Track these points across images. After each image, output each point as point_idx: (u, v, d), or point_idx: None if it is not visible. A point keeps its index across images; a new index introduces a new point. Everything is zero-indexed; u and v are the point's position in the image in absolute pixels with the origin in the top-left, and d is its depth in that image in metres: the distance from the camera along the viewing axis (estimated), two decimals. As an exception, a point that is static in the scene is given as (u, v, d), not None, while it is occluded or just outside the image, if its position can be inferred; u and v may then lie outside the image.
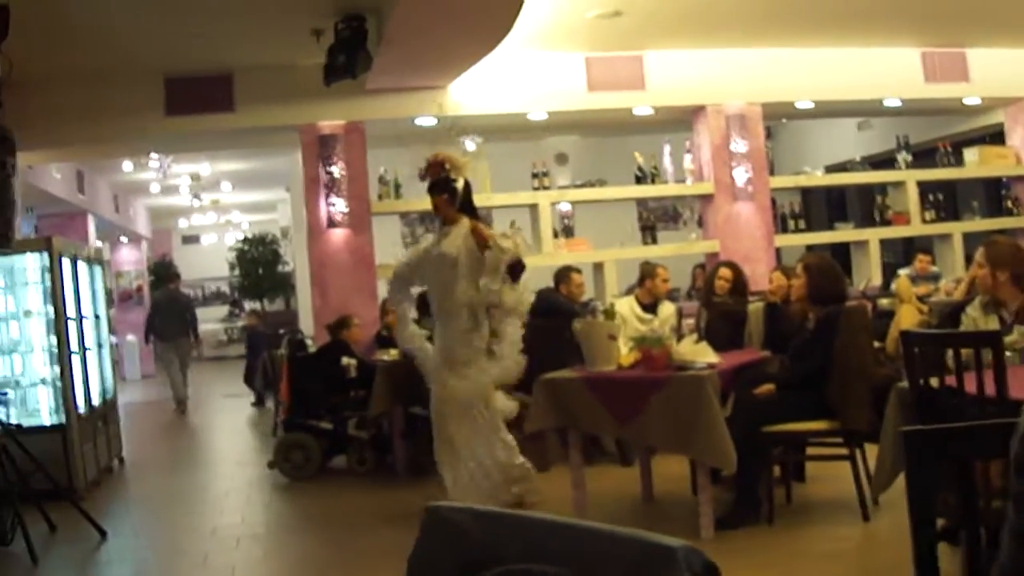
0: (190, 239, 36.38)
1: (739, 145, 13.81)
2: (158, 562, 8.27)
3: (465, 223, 8.21)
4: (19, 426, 9.36)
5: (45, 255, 10.64)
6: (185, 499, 10.77)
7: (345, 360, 10.88)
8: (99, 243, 21.81)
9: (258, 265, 29.96)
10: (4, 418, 8.52)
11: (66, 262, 10.97)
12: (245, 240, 30.69)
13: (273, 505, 9.88)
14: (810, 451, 8.06)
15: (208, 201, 27.23)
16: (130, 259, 29.31)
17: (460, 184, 8.35)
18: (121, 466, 12.60)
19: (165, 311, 19.08)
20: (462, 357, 8.17)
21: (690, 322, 10.79)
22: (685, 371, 7.22)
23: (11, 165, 8.31)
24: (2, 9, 7.93)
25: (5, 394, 10.00)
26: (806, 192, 17.03)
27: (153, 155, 19.23)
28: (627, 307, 9.98)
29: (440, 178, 8.30)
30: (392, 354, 10.71)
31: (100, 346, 12.37)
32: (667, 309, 10.26)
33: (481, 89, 13.03)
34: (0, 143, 8.13)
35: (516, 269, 8.10)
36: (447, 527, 2.12)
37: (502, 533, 2.04)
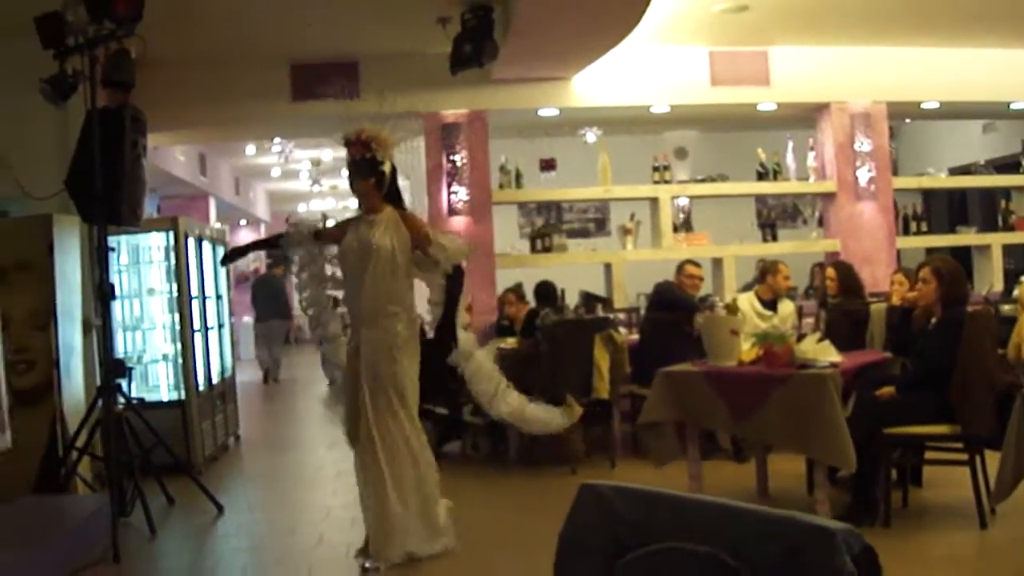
0: (308, 224, 36.56)
1: (863, 144, 13.67)
2: (273, 539, 8.40)
3: (391, 213, 7.23)
4: (141, 400, 9.57)
5: (171, 234, 10.86)
6: (299, 478, 10.94)
7: (464, 346, 10.93)
8: (218, 225, 22.15)
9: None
10: (127, 393, 8.68)
11: (191, 242, 11.19)
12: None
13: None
14: (929, 455, 7.96)
15: (327, 187, 27.46)
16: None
17: (387, 168, 7.28)
18: (237, 443, 12.82)
19: (259, 294, 21.09)
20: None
21: (809, 321, 10.73)
22: (807, 369, 7.20)
23: (142, 145, 8.48)
24: (137, -9, 8.09)
25: (131, 369, 10.23)
26: (928, 194, 16.79)
27: (276, 140, 19.50)
28: (747, 303, 9.93)
29: (365, 159, 7.19)
30: (509, 342, 10.78)
31: (220, 326, 12.59)
32: (787, 307, 10.19)
33: (604, 81, 13.03)
34: (132, 123, 8.29)
35: (456, 278, 7.39)
36: (599, 505, 2.17)
37: (656, 513, 2.08)
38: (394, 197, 7.38)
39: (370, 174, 7.18)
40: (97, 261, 8.26)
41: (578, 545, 2.22)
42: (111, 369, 8.17)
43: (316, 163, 22.84)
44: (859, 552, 1.80)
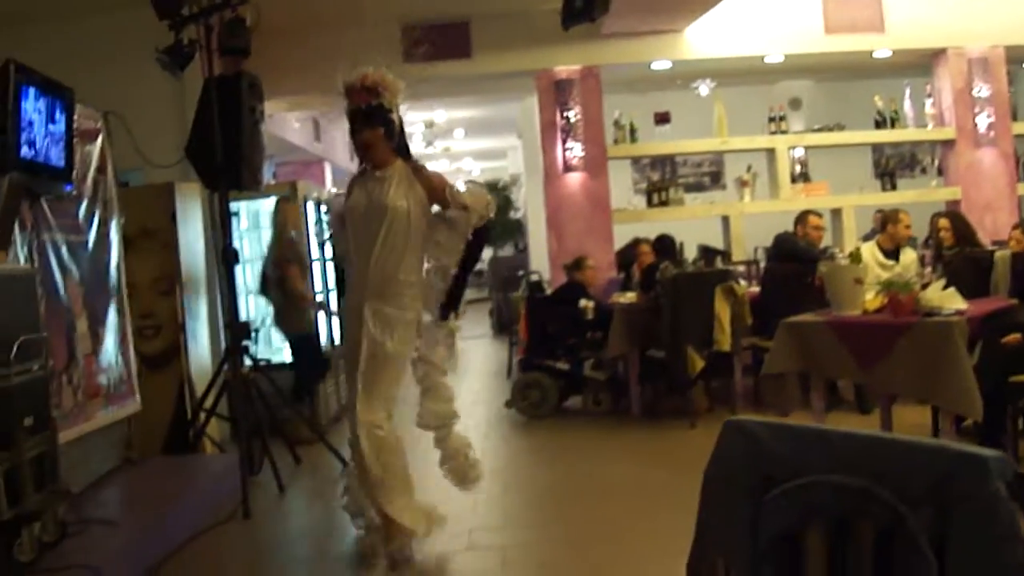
0: (422, 185, 36.68)
1: (981, 89, 13.44)
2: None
3: (403, 168, 6.38)
4: (267, 362, 9.71)
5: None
6: (423, 435, 11.02)
7: (583, 302, 10.94)
8: (334, 190, 22.36)
9: (490, 210, 30.15)
10: (253, 355, 8.81)
11: (309, 206, 11.30)
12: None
13: (511, 442, 10.03)
14: (1059, 403, 7.82)
15: (441, 148, 27.58)
16: (365, 205, 29.85)
17: (396, 116, 6.39)
18: (361, 404, 12.94)
19: None
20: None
21: (929, 270, 10.59)
22: (932, 317, 7.10)
23: (259, 111, 8.57)
24: (251, -41, 8.18)
25: (257, 331, 10.36)
26: (1050, 139, 16.49)
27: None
28: (869, 253, 9.80)
29: (372, 106, 6.27)
30: (628, 296, 10.77)
31: (340, 287, 12.70)
32: (909, 256, 10.04)
33: (717, 32, 12.94)
34: (249, 89, 8.37)
35: (478, 240, 6.49)
36: (746, 440, 2.16)
37: (803, 446, 2.08)
38: (404, 150, 6.51)
39: (379, 123, 6.27)
40: (220, 226, 8.37)
41: (724, 481, 2.22)
42: (237, 332, 8.29)
43: (429, 124, 22.93)
44: (1012, 478, 1.78)
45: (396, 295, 6.23)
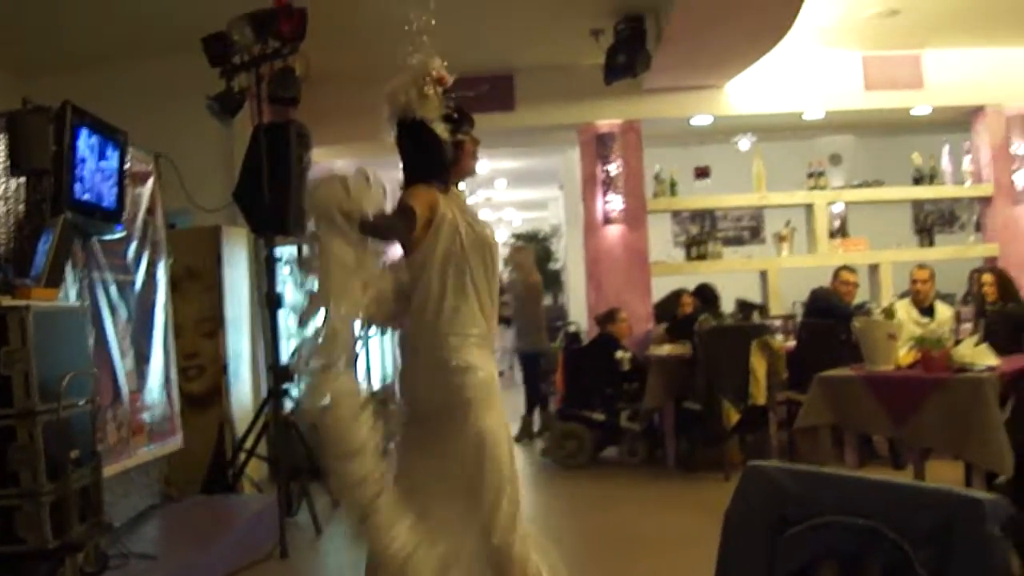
0: (464, 235, 36.65)
1: (1020, 147, 13.47)
2: (437, 540, 8.53)
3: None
4: (306, 404, 9.80)
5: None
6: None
7: (619, 353, 11.05)
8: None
9: (531, 261, 30.20)
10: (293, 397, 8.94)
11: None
12: (518, 236, 30.98)
13: (547, 489, 10.12)
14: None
15: (483, 198, 27.71)
16: (406, 254, 30.04)
17: None
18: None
19: None
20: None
21: (967, 326, 10.62)
22: (964, 372, 7.17)
23: (307, 160, 8.72)
24: (300, 12, 8.35)
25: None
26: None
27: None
28: (904, 310, 9.86)
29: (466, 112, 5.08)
30: (666, 348, 10.86)
31: (381, 332, 12.81)
32: (944, 312, 10.07)
33: (757, 88, 13.04)
34: (298, 139, 8.52)
35: None
36: (765, 483, 2.28)
37: (818, 490, 2.19)
38: None
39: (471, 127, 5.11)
40: (265, 271, 8.53)
41: (743, 521, 2.33)
42: (279, 375, 8.42)
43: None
44: (1007, 520, 1.90)
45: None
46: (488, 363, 4.77)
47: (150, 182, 8.33)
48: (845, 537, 2.07)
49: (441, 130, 4.92)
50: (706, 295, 11.74)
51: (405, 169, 5.07)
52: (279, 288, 8.49)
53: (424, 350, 4.75)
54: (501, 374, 5.73)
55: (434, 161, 4.94)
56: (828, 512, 2.12)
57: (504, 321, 12.35)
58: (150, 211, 8.28)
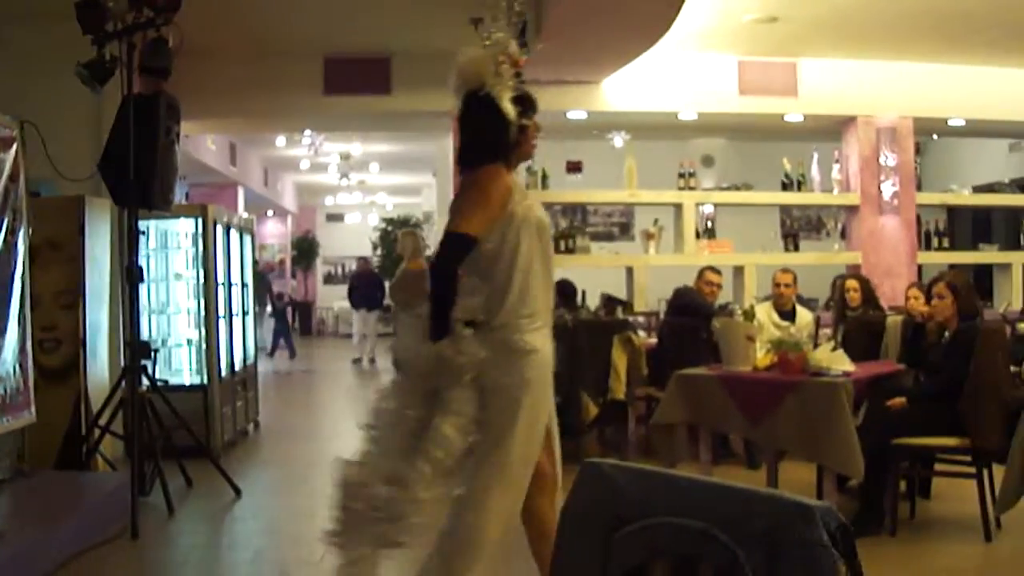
0: (334, 217, 36.72)
1: (888, 158, 13.73)
2: (290, 523, 8.49)
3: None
4: (165, 383, 9.69)
5: (199, 221, 11.01)
6: (319, 465, 11.02)
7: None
8: (246, 215, 22.46)
9: (400, 245, 30.26)
10: (151, 375, 8.80)
11: (218, 229, 11.34)
12: (389, 221, 30.91)
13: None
14: (938, 467, 7.98)
15: (356, 181, 27.62)
16: (275, 233, 29.96)
17: None
18: (256, 430, 12.95)
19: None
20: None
21: (827, 331, 10.80)
22: (820, 377, 7.29)
23: (176, 132, 8.61)
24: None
25: (156, 351, 10.36)
26: (952, 211, 16.91)
27: (307, 132, 19.68)
28: (765, 313, 9.99)
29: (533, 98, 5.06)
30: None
31: (245, 313, 12.74)
32: (805, 316, 10.23)
33: (634, 86, 13.13)
34: (168, 110, 8.41)
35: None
36: (601, 481, 2.29)
37: (652, 490, 2.21)
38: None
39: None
40: (127, 244, 8.40)
41: (580, 519, 2.34)
42: (137, 351, 8.30)
43: (345, 156, 22.98)
44: (835, 528, 1.93)
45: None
46: (547, 344, 4.91)
47: (13, 148, 8.13)
48: (678, 538, 2.09)
49: (509, 110, 4.91)
50: (564, 290, 11.75)
51: (466, 146, 5.14)
52: (141, 262, 8.36)
53: (497, 329, 4.81)
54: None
55: (499, 140, 4.95)
56: (662, 512, 2.14)
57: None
58: (12, 178, 8.07)
